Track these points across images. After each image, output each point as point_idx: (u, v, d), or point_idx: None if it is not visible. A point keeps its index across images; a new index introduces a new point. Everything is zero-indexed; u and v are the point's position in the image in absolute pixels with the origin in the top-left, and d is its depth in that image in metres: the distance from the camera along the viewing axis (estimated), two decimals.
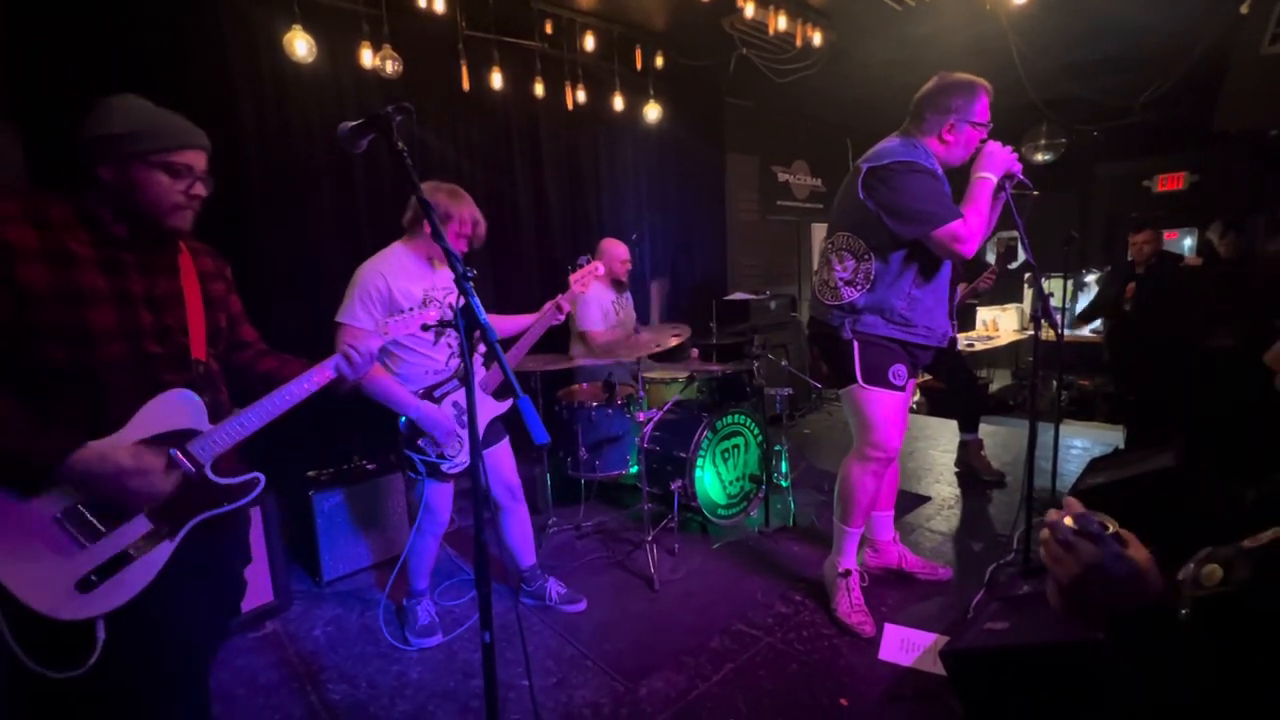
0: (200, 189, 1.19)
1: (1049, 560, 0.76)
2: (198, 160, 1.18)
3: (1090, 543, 0.72)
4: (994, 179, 1.98)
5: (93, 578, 1.07)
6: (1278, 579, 0.66)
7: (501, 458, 2.27)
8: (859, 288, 2.07)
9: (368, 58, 3.12)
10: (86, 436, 1.06)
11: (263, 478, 1.27)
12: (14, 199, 1.08)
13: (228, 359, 1.40)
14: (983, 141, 2.04)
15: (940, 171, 2.02)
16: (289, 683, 2.06)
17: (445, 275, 2.08)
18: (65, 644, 1.05)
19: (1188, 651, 0.67)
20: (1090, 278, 6.33)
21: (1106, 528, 0.73)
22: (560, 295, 2.27)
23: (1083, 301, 6.31)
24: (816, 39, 3.92)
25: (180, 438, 1.16)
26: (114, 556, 1.09)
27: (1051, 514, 0.78)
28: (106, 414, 1.10)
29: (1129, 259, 4.05)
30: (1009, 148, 2.02)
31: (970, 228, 1.91)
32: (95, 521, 1.08)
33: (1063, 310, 3.88)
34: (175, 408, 1.17)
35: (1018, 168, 2.01)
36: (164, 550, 1.15)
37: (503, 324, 2.40)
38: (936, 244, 1.95)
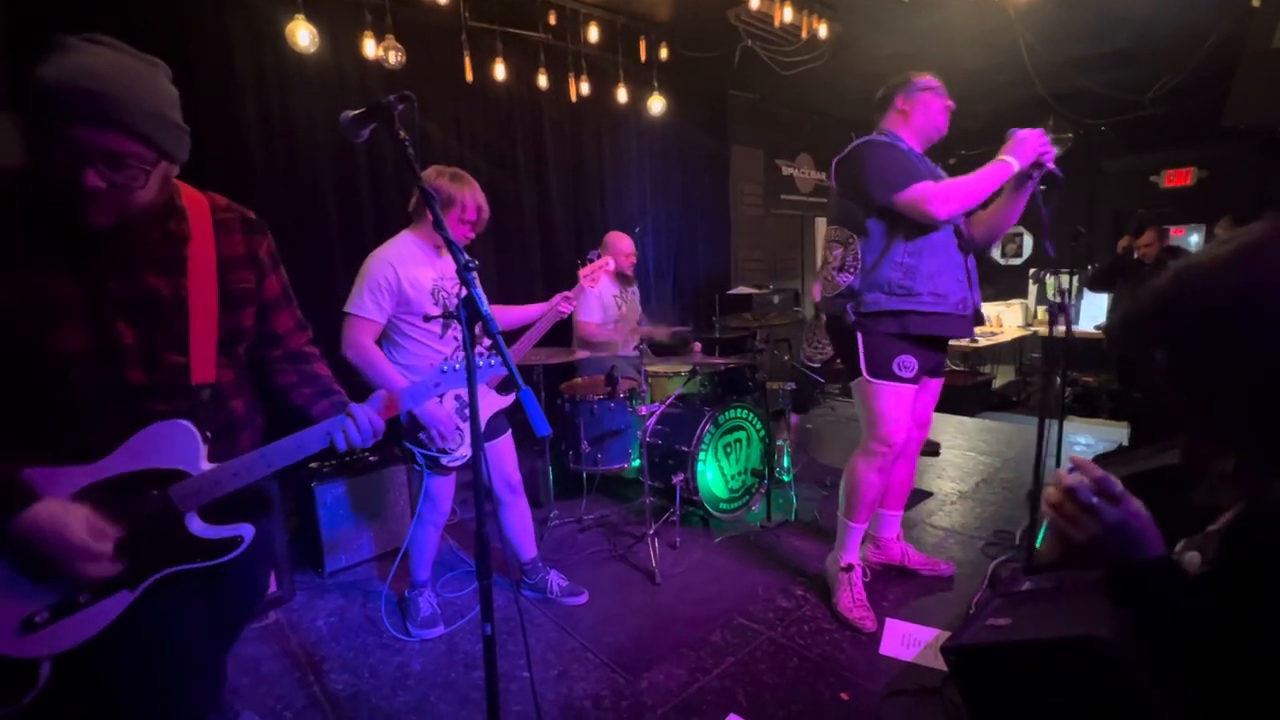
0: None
1: (1063, 521, 0.76)
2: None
3: (1111, 503, 0.73)
4: (1015, 165, 1.91)
5: (38, 619, 0.95)
6: (1245, 546, 0.71)
7: (503, 451, 2.27)
8: (852, 271, 2.10)
9: (370, 48, 3.10)
10: (63, 461, 0.94)
11: (249, 533, 1.11)
12: None
13: (253, 355, 1.22)
14: (1012, 129, 1.98)
15: (911, 149, 2.09)
16: (291, 672, 2.07)
17: (453, 264, 2.07)
18: (5, 677, 0.94)
19: (1199, 604, 0.69)
20: None
21: (1119, 486, 0.75)
22: (569, 290, 2.26)
23: (1088, 298, 6.28)
24: (822, 31, 3.88)
25: (164, 478, 1.01)
26: (63, 600, 0.96)
27: (1060, 475, 0.77)
28: (83, 443, 0.97)
29: (1138, 257, 4.01)
30: (1043, 134, 1.94)
31: (946, 191, 1.91)
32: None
33: (1067, 306, 3.86)
34: (164, 442, 1.02)
35: (1050, 155, 1.93)
36: (120, 600, 1.01)
37: (507, 315, 2.39)
38: (904, 206, 1.96)
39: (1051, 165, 1.96)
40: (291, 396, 1.24)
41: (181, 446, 1.03)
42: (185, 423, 1.03)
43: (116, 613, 1.01)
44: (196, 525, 1.06)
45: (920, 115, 2.12)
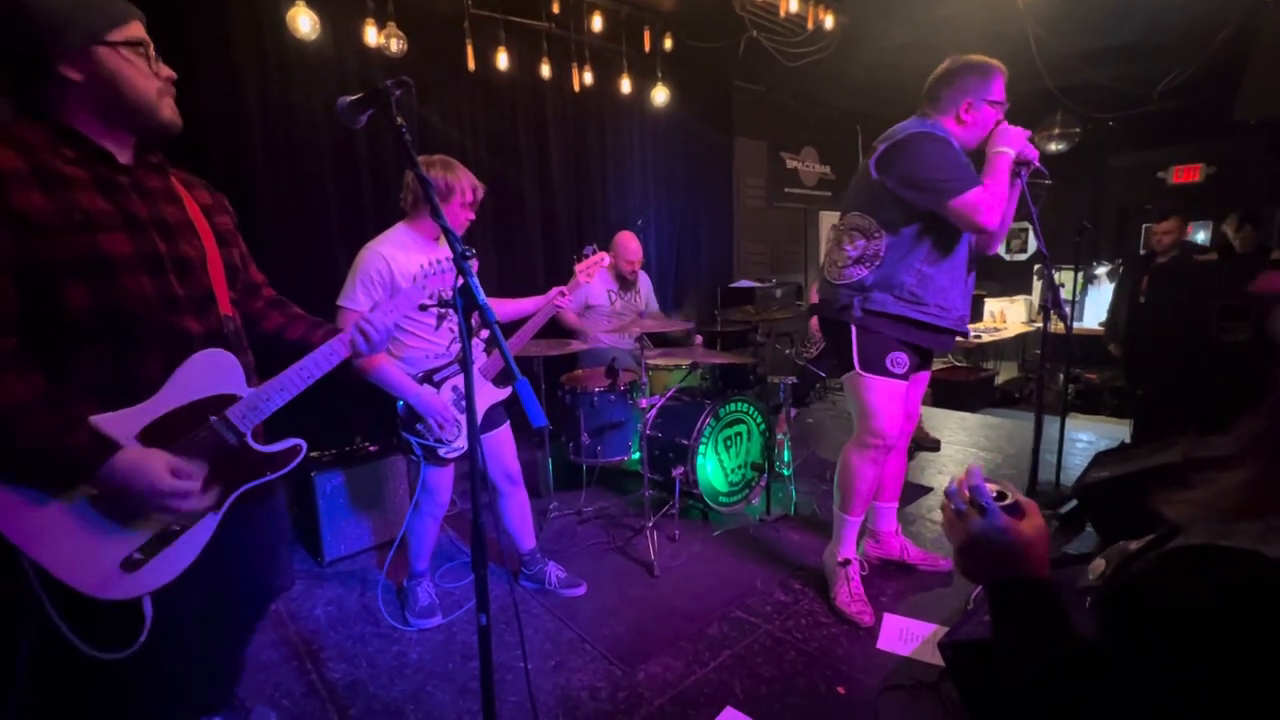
0: (167, 70, 1.05)
1: (944, 524, 0.81)
2: (144, 34, 1.03)
3: (978, 513, 0.75)
4: (1011, 154, 1.92)
5: (137, 556, 1.00)
6: (1124, 579, 0.69)
7: (501, 442, 2.27)
8: (868, 265, 2.04)
9: (372, 35, 3.08)
10: (114, 404, 0.97)
11: (304, 444, 1.21)
12: None
13: (241, 309, 1.27)
14: (996, 123, 2.00)
15: (957, 145, 1.98)
16: (289, 661, 2.08)
17: (448, 255, 2.07)
18: (113, 624, 1.00)
19: (1060, 628, 0.69)
20: (1101, 270, 6.26)
21: (1005, 497, 0.76)
22: (564, 285, 2.25)
23: (1092, 294, 6.26)
24: (829, 21, 3.85)
25: (219, 404, 1.07)
26: (158, 534, 1.03)
27: (951, 480, 0.82)
28: (135, 375, 1.01)
29: (1148, 250, 3.98)
30: (1025, 130, 1.97)
31: (991, 197, 1.86)
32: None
33: (1073, 302, 3.84)
34: (212, 370, 1.08)
35: (1033, 153, 1.96)
36: (209, 524, 1.09)
37: (505, 308, 2.38)
38: (955, 214, 1.89)
39: (1037, 162, 1.97)
40: (285, 334, 1.30)
41: (225, 372, 1.10)
42: (222, 351, 1.09)
43: (207, 537, 1.08)
44: (257, 443, 1.14)
45: (976, 130, 1.99)
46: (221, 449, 1.08)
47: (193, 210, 1.13)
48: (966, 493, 0.77)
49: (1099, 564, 0.77)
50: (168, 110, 1.05)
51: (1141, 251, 4.02)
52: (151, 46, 1.04)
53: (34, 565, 0.93)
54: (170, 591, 1.04)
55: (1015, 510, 0.75)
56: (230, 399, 1.09)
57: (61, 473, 0.94)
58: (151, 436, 1.01)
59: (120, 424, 0.99)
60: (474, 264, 1.00)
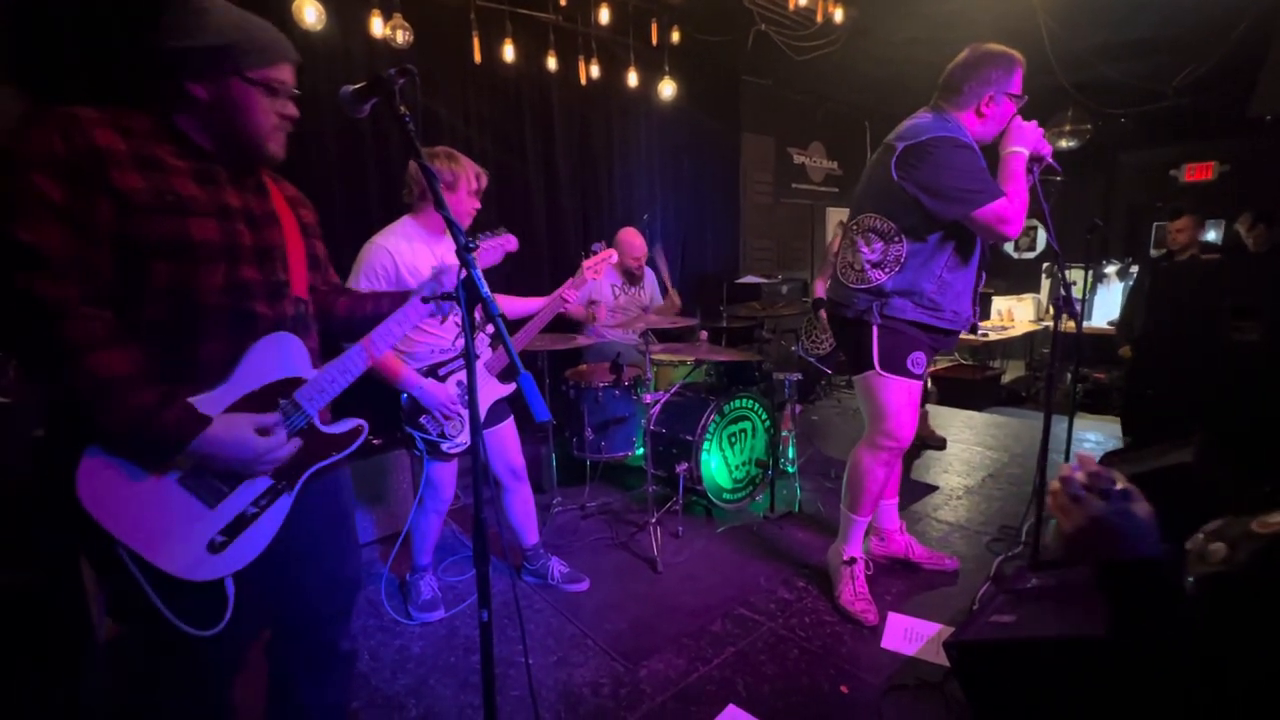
0: (293, 109, 1.10)
1: (1057, 510, 0.81)
2: (291, 76, 1.09)
3: (1099, 497, 0.76)
4: (1026, 154, 1.90)
5: (219, 538, 1.04)
6: (1274, 569, 0.72)
7: (505, 437, 2.26)
8: (888, 270, 1.99)
9: (378, 26, 3.06)
10: (190, 388, 1.00)
11: (366, 425, 1.24)
12: (93, 107, 0.96)
13: (320, 300, 1.31)
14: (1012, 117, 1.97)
15: (977, 148, 1.94)
16: None
17: (453, 249, 2.05)
18: (200, 604, 1.03)
19: (1182, 614, 0.71)
20: (1110, 268, 6.20)
21: (1114, 483, 0.78)
22: (571, 280, 2.23)
23: (1101, 293, 6.20)
24: (838, 15, 3.80)
25: (287, 386, 1.11)
26: (238, 516, 1.06)
27: (1063, 468, 0.82)
28: (198, 355, 1.03)
29: (1165, 249, 3.93)
30: (1038, 127, 1.94)
31: (1014, 206, 1.83)
32: (218, 483, 1.05)
33: (1083, 301, 3.80)
34: (280, 353, 1.11)
35: (1046, 149, 1.93)
36: (284, 504, 1.12)
37: (512, 306, 2.37)
38: (979, 225, 1.86)
39: (1049, 158, 1.95)
40: (357, 311, 1.34)
41: (292, 355, 1.13)
42: (288, 334, 1.12)
43: (283, 516, 1.12)
44: (323, 424, 1.17)
45: (995, 124, 1.96)
46: (293, 429, 1.11)
47: (279, 202, 1.18)
48: (1083, 477, 0.78)
49: (1218, 547, 0.80)
50: (274, 145, 1.10)
51: (1154, 251, 3.96)
52: (289, 86, 1.09)
53: (129, 551, 0.96)
54: (257, 566, 1.09)
55: (1128, 495, 0.77)
56: (297, 382, 1.12)
57: (156, 447, 0.96)
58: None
59: (205, 406, 1.01)
60: (481, 253, 0.99)
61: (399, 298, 1.32)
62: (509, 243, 1.98)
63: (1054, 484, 0.82)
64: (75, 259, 0.89)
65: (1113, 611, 0.75)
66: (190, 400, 1.00)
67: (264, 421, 1.04)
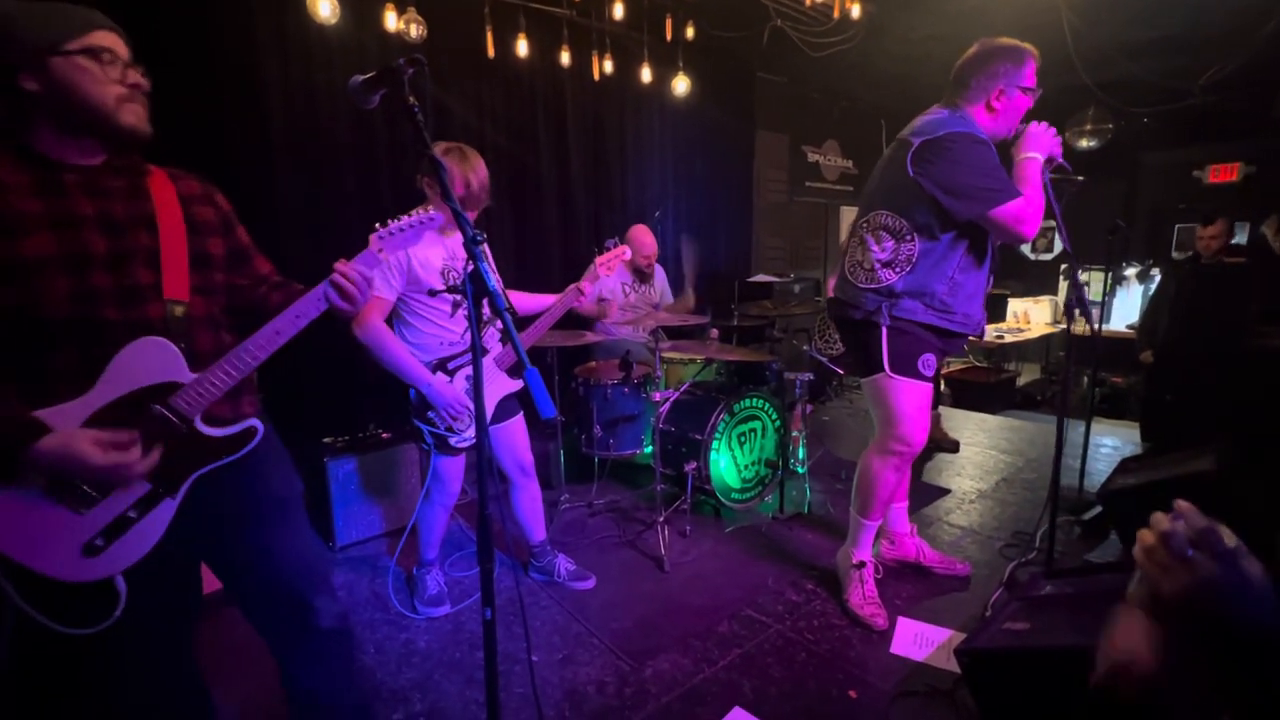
0: (137, 77, 1.06)
1: (1155, 570, 0.68)
2: (116, 44, 1.05)
3: (1210, 559, 0.64)
4: (1040, 159, 1.87)
5: (98, 542, 1.04)
6: None
7: (514, 433, 2.25)
8: (899, 270, 1.95)
9: (392, 21, 3.06)
10: (33, 395, 0.99)
11: (259, 426, 1.19)
12: None
13: (237, 296, 1.28)
14: (1023, 122, 1.93)
15: (993, 145, 1.89)
16: None
17: (463, 244, 2.04)
18: (84, 602, 1.03)
19: None
20: (1130, 271, 6.09)
21: (1224, 540, 0.65)
22: (584, 278, 2.22)
23: (1121, 296, 6.08)
24: (855, 11, 3.75)
25: (160, 392, 1.07)
26: (117, 519, 1.06)
27: (1159, 519, 0.69)
28: (47, 367, 1.02)
29: (1192, 253, 3.83)
30: (1051, 129, 1.91)
31: (1031, 207, 1.80)
32: (87, 489, 1.04)
33: (1101, 304, 3.72)
34: (148, 359, 1.07)
35: (1059, 151, 1.90)
36: (167, 508, 1.11)
37: (523, 302, 2.36)
38: (995, 224, 1.82)
39: (1061, 159, 1.92)
40: (286, 305, 1.28)
41: (161, 360, 1.08)
42: (156, 339, 1.07)
43: (166, 522, 1.10)
44: (207, 429, 1.13)
45: (1007, 119, 1.92)
46: (169, 436, 1.08)
47: (161, 204, 1.13)
48: (1188, 531, 0.66)
49: None
50: (129, 116, 1.05)
51: (1175, 254, 3.87)
52: (119, 54, 1.05)
53: (2, 556, 0.97)
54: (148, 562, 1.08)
55: (1239, 554, 0.65)
56: (172, 386, 1.09)
57: None
58: (95, 428, 1.03)
59: (57, 419, 1.00)
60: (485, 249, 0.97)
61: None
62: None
63: (1147, 536, 0.69)
64: None
65: (1211, 679, 0.65)
66: (54, 409, 0.99)
67: (111, 438, 1.01)
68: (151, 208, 1.12)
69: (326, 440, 2.76)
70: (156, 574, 1.10)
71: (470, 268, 0.94)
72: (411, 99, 0.98)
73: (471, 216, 2.00)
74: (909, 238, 1.93)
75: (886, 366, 2.00)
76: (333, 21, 2.89)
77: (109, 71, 1.03)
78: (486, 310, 0.99)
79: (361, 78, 1.04)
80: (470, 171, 1.94)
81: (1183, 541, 0.65)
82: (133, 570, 1.08)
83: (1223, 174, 5.92)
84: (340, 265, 1.19)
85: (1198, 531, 0.66)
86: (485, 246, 2.17)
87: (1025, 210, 1.79)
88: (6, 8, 0.99)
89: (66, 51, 0.99)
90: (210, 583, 1.33)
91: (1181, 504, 0.69)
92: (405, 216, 1.26)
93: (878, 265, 1.98)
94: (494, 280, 0.94)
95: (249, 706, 1.84)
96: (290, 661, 1.37)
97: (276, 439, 1.34)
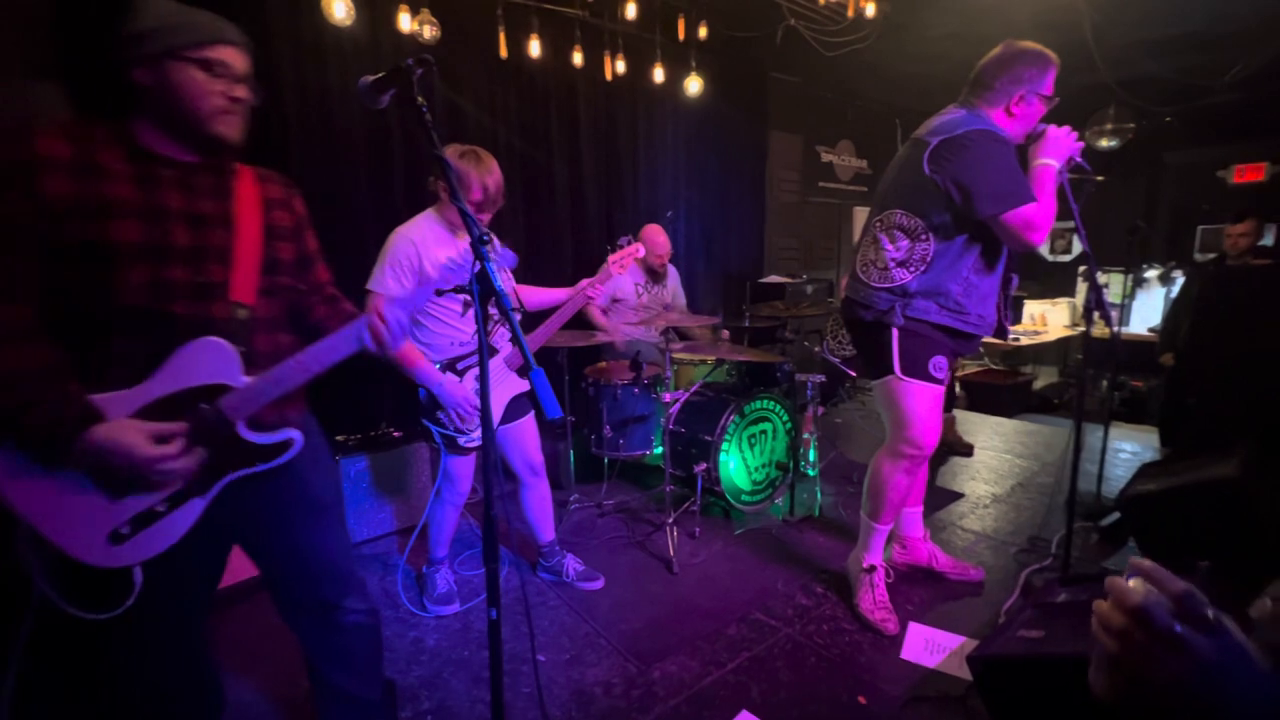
0: (242, 91, 1.12)
1: (1130, 656, 0.51)
2: (234, 58, 1.11)
3: (1203, 630, 0.50)
4: (1056, 166, 1.84)
5: (124, 530, 1.06)
6: None
7: (525, 433, 2.25)
8: (913, 269, 1.92)
9: (405, 22, 3.08)
10: (96, 380, 1.02)
11: (298, 438, 1.22)
12: (63, 119, 1.04)
13: (295, 301, 1.32)
14: (1042, 123, 1.90)
15: (1012, 145, 1.87)
16: None
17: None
18: (102, 587, 1.06)
19: None
20: (1152, 273, 5.97)
21: (1207, 607, 0.51)
22: (597, 275, 2.22)
23: (1141, 298, 5.97)
24: (870, 9, 3.71)
25: (210, 393, 1.10)
26: (144, 511, 1.08)
27: (1119, 587, 0.52)
28: (118, 357, 1.05)
29: (1219, 254, 3.74)
30: (1073, 133, 1.88)
31: (1044, 214, 1.77)
32: (124, 478, 1.05)
33: (1121, 306, 3.64)
34: (207, 359, 1.10)
35: (1078, 149, 1.87)
36: (195, 507, 1.12)
37: (534, 296, 2.36)
38: (1006, 228, 1.79)
39: (1080, 158, 1.88)
40: (325, 326, 1.33)
41: (219, 362, 1.11)
42: (218, 339, 1.10)
43: (192, 520, 1.12)
44: (248, 433, 1.16)
45: (1023, 125, 1.90)
46: (210, 436, 1.10)
47: (243, 205, 1.18)
48: (1168, 603, 0.50)
49: (1264, 604, 0.61)
50: (221, 126, 1.11)
51: (1199, 256, 3.78)
52: (233, 68, 1.11)
53: (29, 529, 1.00)
54: (167, 557, 1.10)
55: (1224, 623, 0.51)
56: (222, 389, 1.11)
57: (50, 443, 0.99)
58: (143, 419, 1.06)
59: (110, 406, 1.02)
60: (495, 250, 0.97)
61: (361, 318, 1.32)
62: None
63: (1110, 614, 0.53)
64: None
65: None
66: (97, 398, 1.02)
67: (163, 430, 1.04)
68: (234, 208, 1.17)
69: (339, 438, 2.78)
70: (176, 564, 1.12)
71: (477, 267, 0.94)
72: (420, 99, 0.99)
73: (487, 218, 2.02)
74: (924, 237, 1.91)
75: (897, 369, 1.98)
76: (347, 23, 2.91)
77: (215, 83, 1.09)
78: (496, 310, 0.99)
79: (371, 78, 1.05)
80: (486, 175, 1.95)
81: (1168, 616, 0.50)
82: (153, 560, 1.10)
83: (1248, 174, 5.78)
84: (377, 307, 1.22)
85: (1177, 598, 0.51)
86: (499, 247, 2.19)
87: (1038, 216, 1.76)
88: (161, 8, 1.07)
89: (184, 57, 1.06)
90: (235, 573, 1.36)
91: (1143, 562, 0.54)
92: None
93: (892, 264, 1.96)
94: (501, 281, 0.94)
95: (269, 696, 1.85)
96: (316, 655, 1.40)
97: (322, 442, 1.38)
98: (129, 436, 1.00)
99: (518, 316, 0.97)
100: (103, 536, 1.05)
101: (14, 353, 0.96)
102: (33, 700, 1.24)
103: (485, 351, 0.94)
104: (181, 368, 1.08)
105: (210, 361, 1.10)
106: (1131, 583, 0.52)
